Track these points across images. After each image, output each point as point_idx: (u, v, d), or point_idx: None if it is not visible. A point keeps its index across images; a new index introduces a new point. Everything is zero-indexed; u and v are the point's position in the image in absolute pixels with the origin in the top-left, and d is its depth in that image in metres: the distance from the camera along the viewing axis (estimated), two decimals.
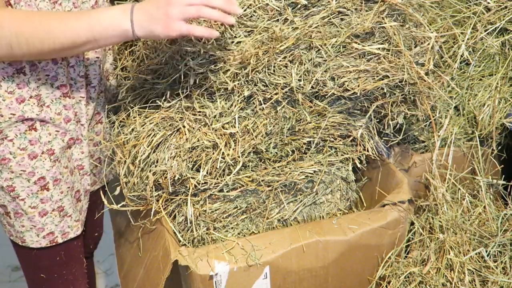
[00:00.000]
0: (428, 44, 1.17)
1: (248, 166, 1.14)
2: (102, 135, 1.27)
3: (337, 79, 1.10)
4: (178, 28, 0.93)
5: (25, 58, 0.99)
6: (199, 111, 1.12)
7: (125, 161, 1.14)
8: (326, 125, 1.17)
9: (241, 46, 1.07)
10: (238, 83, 1.08)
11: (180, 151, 1.09)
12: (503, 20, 1.47)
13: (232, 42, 1.08)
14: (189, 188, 1.11)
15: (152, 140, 1.10)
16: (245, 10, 1.07)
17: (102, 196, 1.18)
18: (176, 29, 0.93)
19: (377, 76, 1.12)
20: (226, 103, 1.11)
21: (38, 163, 1.09)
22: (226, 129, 1.10)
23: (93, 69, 1.16)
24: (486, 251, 1.17)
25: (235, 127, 1.10)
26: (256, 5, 1.08)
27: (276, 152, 1.15)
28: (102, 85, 1.22)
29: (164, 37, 0.95)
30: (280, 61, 1.07)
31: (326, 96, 1.13)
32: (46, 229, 1.14)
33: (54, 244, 1.16)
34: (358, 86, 1.11)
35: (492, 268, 1.15)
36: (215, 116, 1.11)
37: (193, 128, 1.11)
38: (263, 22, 1.08)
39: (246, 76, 1.07)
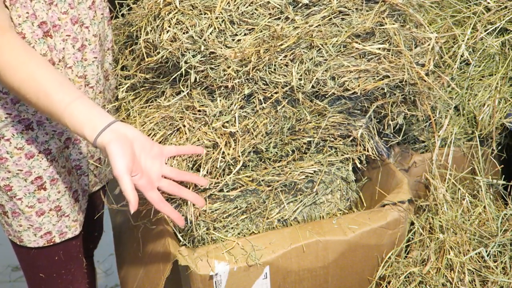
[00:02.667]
0: (429, 44, 1.17)
1: (248, 166, 1.14)
2: None
3: (338, 79, 1.10)
4: (149, 196, 0.93)
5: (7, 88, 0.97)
6: (199, 110, 1.12)
7: None
8: (326, 125, 1.17)
9: (241, 43, 1.07)
10: (239, 81, 1.08)
11: None
12: (503, 20, 1.47)
13: (233, 39, 1.08)
14: (189, 188, 1.11)
15: (152, 139, 1.10)
16: (246, 8, 1.08)
17: (102, 196, 1.18)
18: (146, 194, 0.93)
19: (377, 76, 1.12)
20: (226, 102, 1.11)
21: (35, 163, 1.09)
22: (226, 128, 1.10)
23: (91, 70, 1.16)
24: (486, 251, 1.17)
25: (235, 126, 1.10)
26: (257, 2, 1.08)
27: (276, 152, 1.15)
28: (101, 85, 1.21)
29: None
30: (281, 59, 1.07)
31: (327, 96, 1.13)
32: (43, 228, 1.14)
33: (51, 244, 1.16)
34: (359, 86, 1.11)
35: (492, 268, 1.15)
36: (215, 115, 1.11)
37: (193, 128, 1.11)
38: (264, 20, 1.07)
39: (246, 74, 1.07)
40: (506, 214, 1.25)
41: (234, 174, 1.11)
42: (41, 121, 1.07)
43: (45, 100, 0.91)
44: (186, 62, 1.08)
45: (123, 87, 1.24)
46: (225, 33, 1.08)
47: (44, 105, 0.91)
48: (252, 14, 1.08)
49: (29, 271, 1.22)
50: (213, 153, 1.09)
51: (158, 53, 1.12)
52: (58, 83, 0.92)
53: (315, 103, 1.14)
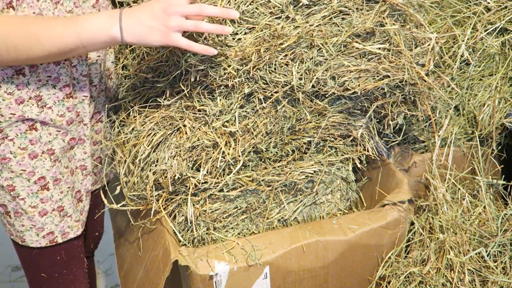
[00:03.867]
0: (429, 45, 1.18)
1: (248, 165, 1.14)
2: (103, 134, 1.27)
3: (338, 78, 1.10)
4: (175, 40, 0.96)
5: (13, 63, 0.99)
6: (199, 110, 1.12)
7: (125, 161, 1.14)
8: (326, 124, 1.17)
9: (242, 42, 1.07)
10: (239, 80, 1.08)
11: (180, 151, 1.09)
12: (503, 20, 1.48)
13: (233, 38, 1.08)
14: (189, 188, 1.11)
15: (152, 139, 1.11)
16: (247, 7, 1.07)
17: (102, 196, 1.18)
18: (173, 40, 0.95)
19: (377, 76, 1.12)
20: (226, 101, 1.11)
21: (38, 163, 1.09)
22: (226, 127, 1.10)
23: (95, 68, 1.16)
24: (486, 251, 1.17)
25: (235, 125, 1.10)
26: (258, 1, 1.08)
27: (276, 152, 1.15)
28: (103, 83, 1.22)
29: (159, 45, 0.97)
30: (281, 59, 1.07)
31: (327, 96, 1.13)
32: (46, 228, 1.14)
33: (53, 244, 1.16)
34: (359, 85, 1.11)
35: (492, 268, 1.15)
36: (215, 114, 1.11)
37: (193, 127, 1.11)
38: (264, 19, 1.08)
39: (247, 73, 1.07)
40: (506, 214, 1.25)
41: (234, 174, 1.11)
42: (45, 122, 1.08)
43: (54, 35, 0.94)
44: (186, 61, 1.08)
45: (123, 86, 1.24)
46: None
47: (55, 41, 0.95)
48: (253, 13, 1.08)
49: (30, 271, 1.22)
50: (213, 153, 1.09)
51: (158, 52, 1.12)
52: (56, 19, 0.97)
53: (315, 102, 1.14)
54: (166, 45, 0.96)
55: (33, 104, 1.05)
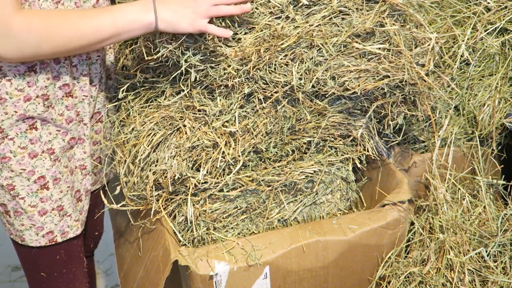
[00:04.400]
0: (429, 45, 1.17)
1: (248, 165, 1.14)
2: (102, 134, 1.27)
3: (338, 78, 1.10)
4: (200, 26, 1.01)
5: (51, 56, 1.02)
6: (199, 110, 1.12)
7: (125, 161, 1.14)
8: (326, 124, 1.17)
9: (242, 42, 1.07)
10: (239, 80, 1.08)
11: (180, 151, 1.09)
12: (503, 20, 1.47)
13: (234, 38, 1.08)
14: (189, 188, 1.11)
15: (152, 139, 1.10)
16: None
17: (102, 196, 1.18)
18: (198, 26, 1.01)
19: (377, 76, 1.12)
20: (226, 101, 1.11)
21: (38, 162, 1.09)
22: (226, 127, 1.10)
23: (95, 68, 1.16)
24: (486, 251, 1.17)
25: (235, 125, 1.10)
26: (258, 1, 1.08)
27: (276, 152, 1.15)
28: (103, 83, 1.22)
29: (186, 32, 1.02)
30: (281, 59, 1.07)
31: (327, 96, 1.13)
32: (45, 228, 1.14)
33: (53, 243, 1.16)
34: (359, 85, 1.11)
35: (492, 268, 1.15)
36: (214, 114, 1.11)
37: (193, 127, 1.11)
38: (264, 19, 1.07)
39: (247, 73, 1.07)
40: (506, 214, 1.25)
41: (234, 174, 1.11)
42: (45, 121, 1.08)
43: (93, 25, 0.99)
44: (186, 61, 1.08)
45: (123, 86, 1.24)
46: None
47: (94, 30, 0.99)
48: (253, 13, 1.08)
49: (30, 271, 1.22)
50: (213, 153, 1.09)
51: (158, 52, 1.12)
52: (91, 10, 1.04)
53: (315, 102, 1.14)
54: (193, 31, 1.02)
55: (39, 103, 1.05)
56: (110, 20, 1.00)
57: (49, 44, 0.97)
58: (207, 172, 1.10)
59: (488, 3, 1.50)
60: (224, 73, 1.07)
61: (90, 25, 0.99)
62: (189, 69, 1.09)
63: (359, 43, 1.10)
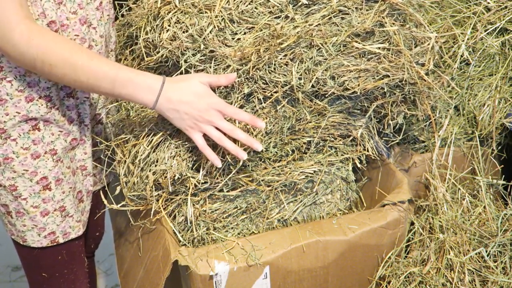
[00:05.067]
0: (428, 44, 1.17)
1: (248, 165, 1.14)
2: (103, 135, 1.27)
3: (338, 78, 1.10)
4: (194, 137, 1.02)
5: (43, 77, 1.02)
6: None
7: (125, 161, 1.14)
8: (326, 124, 1.17)
9: (241, 42, 1.07)
10: (238, 80, 1.08)
11: (180, 151, 1.09)
12: (503, 20, 1.47)
13: (233, 38, 1.08)
14: (189, 188, 1.11)
15: (152, 139, 1.11)
16: (246, 6, 1.08)
17: (102, 196, 1.18)
18: (191, 134, 1.02)
19: (377, 76, 1.12)
20: (226, 101, 1.11)
21: (41, 163, 1.09)
22: None
23: None
24: (486, 251, 1.17)
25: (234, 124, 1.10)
26: (257, 1, 1.08)
27: (276, 152, 1.15)
28: None
29: (180, 128, 1.03)
30: (281, 59, 1.07)
31: (326, 95, 1.13)
32: (47, 229, 1.14)
33: (55, 244, 1.16)
34: (358, 85, 1.11)
35: (492, 268, 1.15)
36: None
37: None
38: (264, 19, 1.07)
39: (246, 73, 1.07)
40: (506, 214, 1.25)
41: (233, 174, 1.11)
42: (48, 122, 1.08)
43: (94, 74, 0.96)
44: (186, 61, 1.08)
45: None
46: (225, 32, 1.08)
47: (90, 82, 0.97)
48: (252, 12, 1.08)
49: (31, 271, 1.22)
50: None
51: (158, 52, 1.13)
52: (101, 57, 1.00)
53: (315, 102, 1.14)
54: (188, 133, 1.02)
55: (42, 104, 1.05)
56: (109, 83, 0.97)
57: (44, 68, 0.96)
58: (207, 172, 1.10)
59: (488, 3, 1.50)
60: (224, 73, 1.07)
61: (88, 76, 0.96)
62: (189, 69, 1.09)
63: (359, 43, 1.10)
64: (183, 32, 1.07)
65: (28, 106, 1.04)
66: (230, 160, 1.09)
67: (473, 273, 1.15)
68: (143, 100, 0.98)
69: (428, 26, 1.21)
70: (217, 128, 1.01)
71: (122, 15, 1.41)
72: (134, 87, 0.97)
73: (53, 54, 0.95)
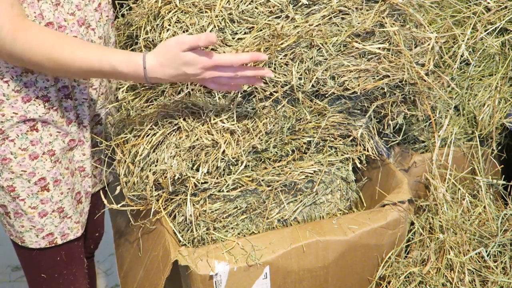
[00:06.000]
0: (429, 44, 1.17)
1: (248, 165, 1.14)
2: (103, 136, 1.27)
3: (338, 78, 1.10)
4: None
5: (35, 71, 1.02)
6: (199, 109, 1.12)
7: (125, 161, 1.14)
8: (326, 124, 1.17)
9: (242, 42, 1.07)
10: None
11: (180, 150, 1.09)
12: (503, 20, 1.47)
13: (233, 38, 1.08)
14: (189, 188, 1.11)
15: (152, 139, 1.10)
16: (246, 6, 1.07)
17: (102, 196, 1.18)
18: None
19: (377, 76, 1.12)
20: (225, 101, 1.11)
21: (39, 164, 1.09)
22: (226, 127, 1.10)
23: None
24: (486, 251, 1.17)
25: (234, 125, 1.10)
26: (258, 1, 1.07)
27: (276, 152, 1.15)
28: (103, 86, 1.22)
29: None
30: (281, 58, 1.07)
31: (326, 95, 1.13)
32: (45, 230, 1.13)
33: (53, 245, 1.16)
34: (359, 85, 1.11)
35: (492, 268, 1.15)
36: (214, 113, 1.11)
37: (192, 126, 1.11)
38: (264, 19, 1.07)
39: None
40: (506, 214, 1.25)
41: (235, 174, 1.11)
42: (46, 122, 1.08)
43: (82, 59, 0.95)
44: None
45: (123, 87, 1.24)
46: (225, 32, 1.08)
47: (82, 64, 0.95)
48: (252, 12, 1.08)
49: (30, 272, 1.22)
50: (213, 152, 1.09)
51: None
52: (88, 43, 1.00)
53: (315, 102, 1.14)
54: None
55: (39, 104, 1.05)
56: (97, 73, 0.97)
57: (32, 66, 0.97)
58: (207, 171, 1.10)
59: (488, 3, 1.50)
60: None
61: (78, 72, 0.96)
62: None
63: (359, 43, 1.10)
64: (184, 31, 1.07)
65: (26, 106, 1.04)
66: (232, 159, 1.09)
67: (473, 273, 1.15)
68: (136, 81, 1.00)
69: (428, 26, 1.21)
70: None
71: (123, 15, 1.41)
72: (120, 75, 0.97)
73: (36, 54, 0.94)
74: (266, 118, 1.11)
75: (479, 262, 1.17)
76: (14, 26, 0.93)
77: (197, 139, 1.09)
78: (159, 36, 1.09)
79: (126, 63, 0.95)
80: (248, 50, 1.05)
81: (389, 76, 1.12)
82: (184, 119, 1.12)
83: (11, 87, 1.02)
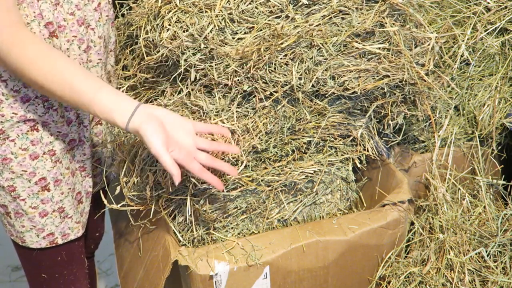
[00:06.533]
0: (429, 44, 1.17)
1: (248, 165, 1.14)
2: (103, 136, 1.27)
3: (338, 78, 1.10)
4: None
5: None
6: (199, 109, 1.12)
7: (125, 161, 1.14)
8: (326, 124, 1.17)
9: (242, 42, 1.07)
10: (239, 80, 1.08)
11: None
12: (503, 20, 1.47)
13: (233, 38, 1.08)
14: (189, 188, 1.11)
15: None
16: (247, 6, 1.07)
17: (102, 196, 1.18)
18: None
19: (377, 76, 1.12)
20: (225, 100, 1.11)
21: (39, 164, 1.09)
22: (227, 127, 1.10)
23: (96, 71, 1.16)
24: (486, 251, 1.17)
25: (234, 124, 1.10)
26: (258, 1, 1.07)
27: (276, 152, 1.15)
28: None
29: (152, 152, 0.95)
30: (281, 58, 1.07)
31: (326, 95, 1.13)
32: (46, 229, 1.13)
33: (54, 245, 1.16)
34: (359, 85, 1.11)
35: (492, 268, 1.15)
36: (214, 113, 1.11)
37: None
38: (264, 19, 1.07)
39: (246, 73, 1.07)
40: (506, 214, 1.25)
41: (236, 174, 1.11)
42: (46, 122, 1.08)
43: (71, 91, 0.94)
44: (186, 61, 1.08)
45: (123, 87, 1.24)
46: (225, 31, 1.08)
47: (71, 96, 0.94)
48: (253, 12, 1.08)
49: (31, 272, 1.22)
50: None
51: (158, 51, 1.12)
52: (83, 74, 0.96)
53: (315, 102, 1.14)
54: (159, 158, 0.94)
55: (38, 104, 1.05)
56: (86, 101, 0.93)
57: (23, 77, 0.95)
58: None
59: (488, 3, 1.50)
60: (224, 73, 1.07)
61: (65, 94, 0.94)
62: (188, 69, 1.09)
63: (359, 43, 1.10)
64: (184, 31, 1.07)
65: (25, 106, 1.04)
66: (232, 160, 1.09)
67: (473, 273, 1.15)
68: (116, 119, 0.94)
69: (428, 26, 1.21)
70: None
71: (123, 15, 1.41)
72: (111, 105, 0.94)
73: (29, 75, 0.93)
74: (266, 118, 1.11)
75: (479, 262, 1.17)
76: (10, 38, 0.92)
77: None
78: (159, 36, 1.09)
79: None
80: (248, 49, 1.05)
81: (389, 76, 1.12)
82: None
83: (9, 86, 1.02)
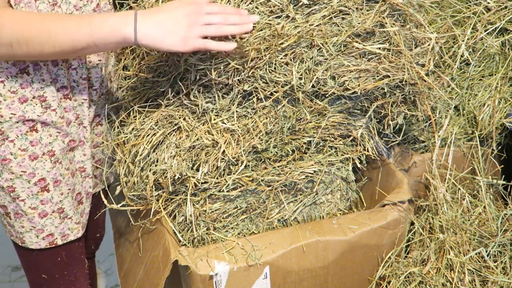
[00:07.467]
0: (429, 45, 1.18)
1: (248, 165, 1.14)
2: (103, 137, 1.27)
3: (338, 78, 1.10)
4: (194, 44, 0.95)
5: (26, 58, 0.99)
6: (199, 109, 1.12)
7: (125, 161, 1.14)
8: (326, 124, 1.17)
9: (242, 41, 1.07)
10: (239, 79, 1.08)
11: (180, 150, 1.09)
12: (503, 20, 1.48)
13: (233, 37, 1.08)
14: (189, 188, 1.11)
15: (152, 139, 1.10)
16: (247, 6, 1.07)
17: (103, 196, 1.18)
18: (192, 45, 0.95)
19: (377, 76, 1.12)
20: (226, 100, 1.11)
21: (39, 164, 1.08)
22: (227, 126, 1.10)
23: (95, 72, 1.16)
24: (486, 251, 1.17)
25: (234, 124, 1.10)
26: (258, 0, 1.07)
27: (276, 152, 1.15)
28: (104, 87, 1.21)
29: (175, 50, 0.95)
30: (281, 58, 1.07)
31: (327, 95, 1.13)
32: (45, 230, 1.13)
33: (53, 246, 1.16)
34: (359, 85, 1.11)
35: (492, 268, 1.15)
36: (214, 113, 1.11)
37: (193, 126, 1.11)
38: (264, 19, 1.07)
39: (246, 72, 1.07)
40: (506, 214, 1.25)
41: (235, 174, 1.11)
42: (45, 123, 1.08)
43: (67, 33, 0.93)
44: (186, 61, 1.08)
45: (123, 87, 1.24)
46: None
47: (68, 39, 0.93)
48: (253, 12, 1.08)
49: (31, 272, 1.22)
50: (213, 152, 1.09)
51: (158, 51, 1.12)
52: (70, 16, 0.97)
53: (315, 102, 1.14)
54: (184, 51, 0.96)
55: (36, 104, 1.05)
56: (87, 30, 0.93)
57: (21, 45, 0.94)
58: (207, 171, 1.10)
59: (488, 3, 1.50)
60: (224, 72, 1.07)
61: (63, 32, 0.93)
62: (189, 68, 1.09)
63: (359, 43, 1.10)
64: None
65: (23, 107, 1.04)
66: (232, 159, 1.09)
67: (473, 273, 1.15)
68: (121, 31, 0.94)
69: (428, 26, 1.21)
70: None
71: None
72: (110, 23, 0.94)
73: (25, 30, 0.92)
74: (266, 118, 1.11)
75: (479, 262, 1.17)
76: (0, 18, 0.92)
77: (197, 139, 1.09)
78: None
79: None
80: (249, 49, 1.04)
81: (389, 76, 1.13)
82: (184, 119, 1.12)
83: (6, 87, 1.02)
